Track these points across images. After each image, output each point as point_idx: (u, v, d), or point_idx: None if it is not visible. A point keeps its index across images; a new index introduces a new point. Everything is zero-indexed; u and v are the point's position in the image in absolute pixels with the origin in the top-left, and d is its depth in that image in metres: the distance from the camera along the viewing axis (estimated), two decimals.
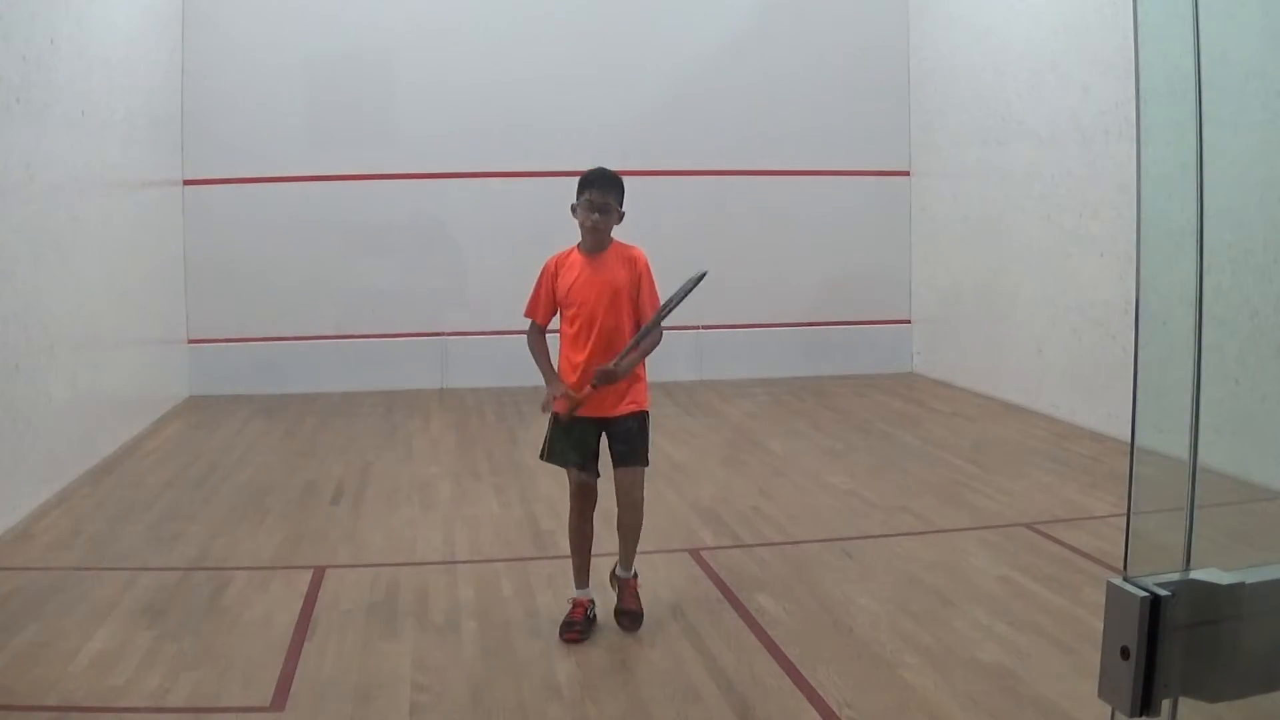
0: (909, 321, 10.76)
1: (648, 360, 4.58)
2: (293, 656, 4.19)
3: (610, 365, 4.36)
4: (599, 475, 4.53)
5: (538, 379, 4.68)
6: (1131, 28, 1.38)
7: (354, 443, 8.03)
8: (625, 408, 4.51)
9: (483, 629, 4.50)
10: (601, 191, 4.44)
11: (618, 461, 4.55)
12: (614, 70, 10.21)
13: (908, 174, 10.69)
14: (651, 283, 4.55)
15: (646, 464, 4.57)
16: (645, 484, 4.62)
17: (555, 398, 4.47)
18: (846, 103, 10.54)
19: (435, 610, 4.71)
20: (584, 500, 4.57)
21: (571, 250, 4.55)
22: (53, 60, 6.53)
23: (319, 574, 5.15)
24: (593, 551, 4.66)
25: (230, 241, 9.78)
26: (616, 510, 4.58)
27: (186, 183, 9.70)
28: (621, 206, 4.51)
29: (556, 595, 4.86)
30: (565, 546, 5.58)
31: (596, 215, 4.42)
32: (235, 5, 9.74)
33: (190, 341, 9.81)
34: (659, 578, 5.08)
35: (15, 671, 4.04)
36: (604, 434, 4.54)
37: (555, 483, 6.87)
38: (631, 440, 4.52)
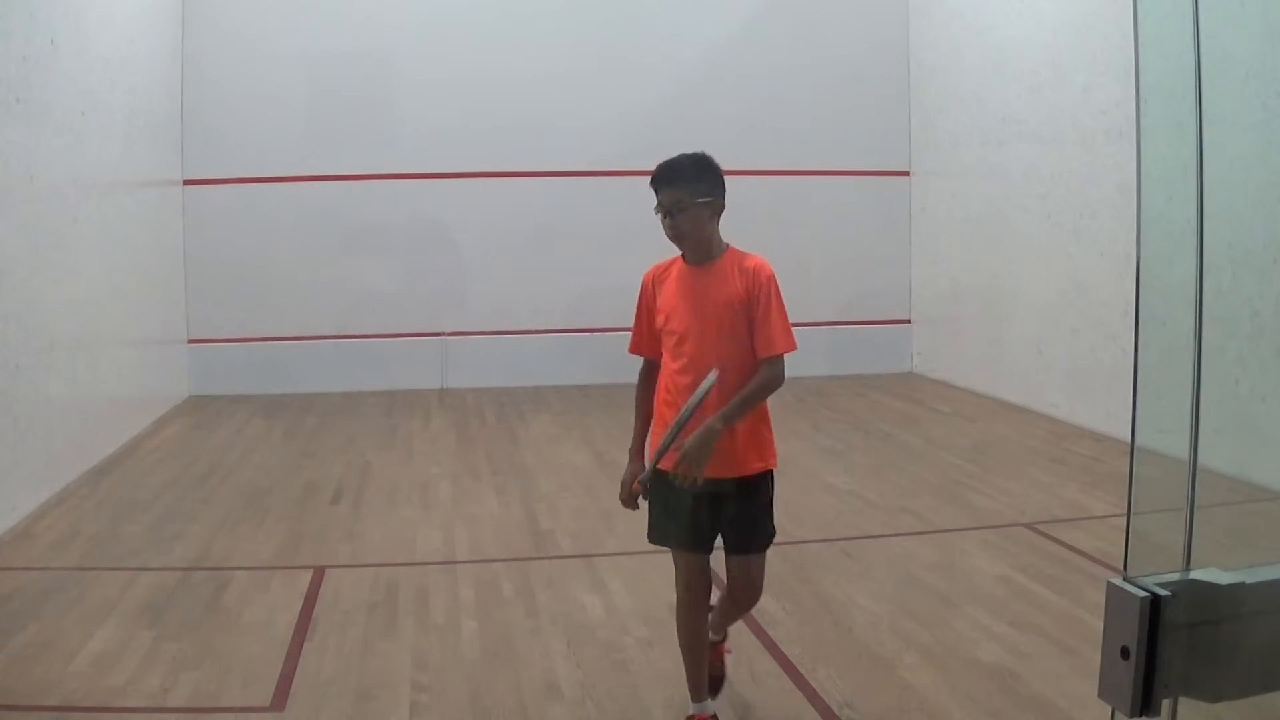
0: (909, 321, 10.76)
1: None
2: (293, 656, 4.19)
3: (666, 443, 3.29)
4: (711, 550, 3.53)
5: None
6: (1131, 28, 1.38)
7: (354, 443, 8.03)
8: (746, 467, 3.39)
9: (483, 629, 4.50)
10: (669, 188, 3.45)
11: (731, 547, 3.50)
12: (614, 70, 10.21)
13: (908, 174, 10.69)
14: (771, 304, 3.40)
15: (769, 544, 3.52)
16: None
17: (635, 480, 3.44)
18: (846, 103, 10.53)
19: (435, 610, 4.71)
20: (697, 591, 3.52)
21: (675, 260, 3.56)
22: (53, 60, 6.52)
23: (319, 574, 5.15)
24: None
25: (230, 241, 9.79)
26: (728, 587, 3.67)
27: (186, 183, 9.69)
28: (712, 194, 3.49)
29: (556, 595, 4.86)
30: (566, 546, 5.61)
31: (669, 220, 3.44)
32: (235, 5, 9.74)
33: (190, 341, 9.81)
34: (660, 578, 5.08)
35: (15, 671, 4.04)
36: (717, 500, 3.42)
37: (555, 483, 6.91)
38: (749, 521, 3.43)
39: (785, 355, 3.43)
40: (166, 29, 9.29)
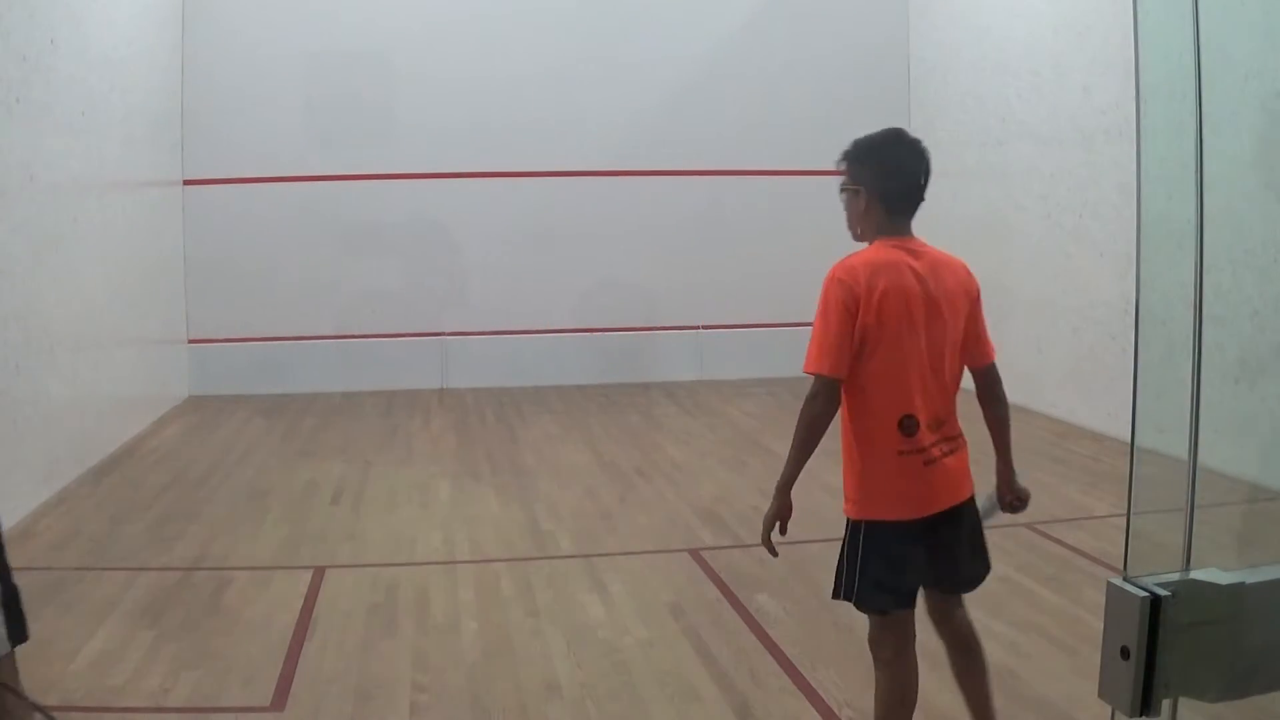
0: None
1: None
2: (293, 656, 4.19)
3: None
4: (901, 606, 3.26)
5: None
6: (1131, 28, 1.37)
7: (354, 443, 8.03)
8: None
9: (483, 629, 4.50)
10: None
11: None
12: (614, 70, 10.21)
13: None
14: (817, 314, 3.06)
15: (838, 596, 3.22)
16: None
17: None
18: (846, 103, 10.52)
19: (435, 610, 4.71)
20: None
21: None
22: (53, 60, 6.52)
23: (319, 574, 5.15)
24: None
25: (230, 241, 9.78)
26: None
27: (186, 183, 9.69)
28: (857, 181, 3.09)
29: (557, 595, 4.86)
30: (566, 546, 5.61)
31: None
32: (235, 5, 9.74)
33: (190, 341, 9.80)
34: (659, 578, 5.08)
35: None
36: None
37: (555, 483, 6.91)
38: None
39: (820, 377, 3.01)
40: (166, 29, 9.29)
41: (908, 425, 2.97)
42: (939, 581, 3.14)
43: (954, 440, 3.07)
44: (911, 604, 3.08)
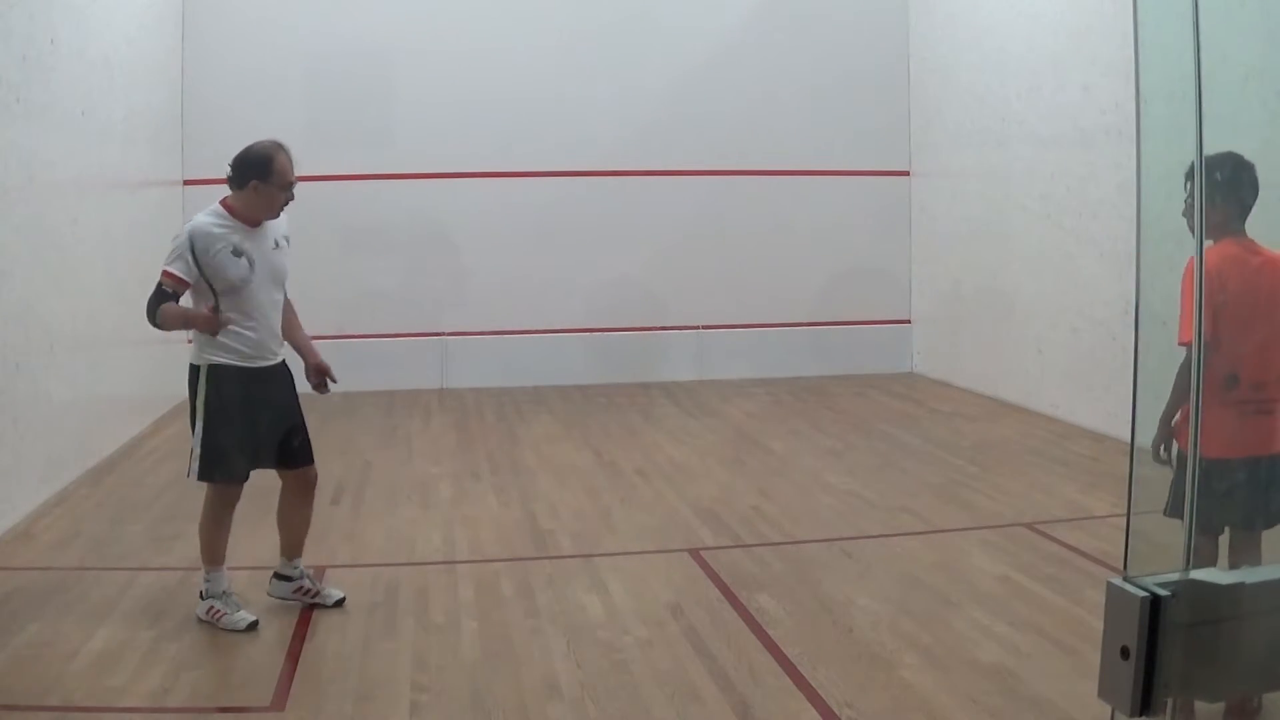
0: (909, 321, 10.76)
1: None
2: (293, 656, 4.19)
3: None
4: None
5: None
6: (1131, 28, 1.38)
7: (354, 443, 8.03)
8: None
9: (483, 629, 4.50)
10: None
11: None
12: (614, 70, 10.21)
13: (908, 174, 10.69)
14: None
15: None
16: None
17: None
18: (846, 103, 10.53)
19: (435, 610, 4.71)
20: None
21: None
22: (53, 60, 6.52)
23: (319, 574, 5.13)
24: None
25: None
26: None
27: (186, 183, 9.68)
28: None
29: (557, 595, 4.86)
30: (566, 546, 5.61)
31: None
32: (235, 5, 9.74)
33: (190, 342, 9.78)
34: (659, 578, 5.08)
35: (15, 671, 4.04)
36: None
37: (555, 483, 6.91)
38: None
39: None
40: (167, 29, 9.28)
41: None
42: None
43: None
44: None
